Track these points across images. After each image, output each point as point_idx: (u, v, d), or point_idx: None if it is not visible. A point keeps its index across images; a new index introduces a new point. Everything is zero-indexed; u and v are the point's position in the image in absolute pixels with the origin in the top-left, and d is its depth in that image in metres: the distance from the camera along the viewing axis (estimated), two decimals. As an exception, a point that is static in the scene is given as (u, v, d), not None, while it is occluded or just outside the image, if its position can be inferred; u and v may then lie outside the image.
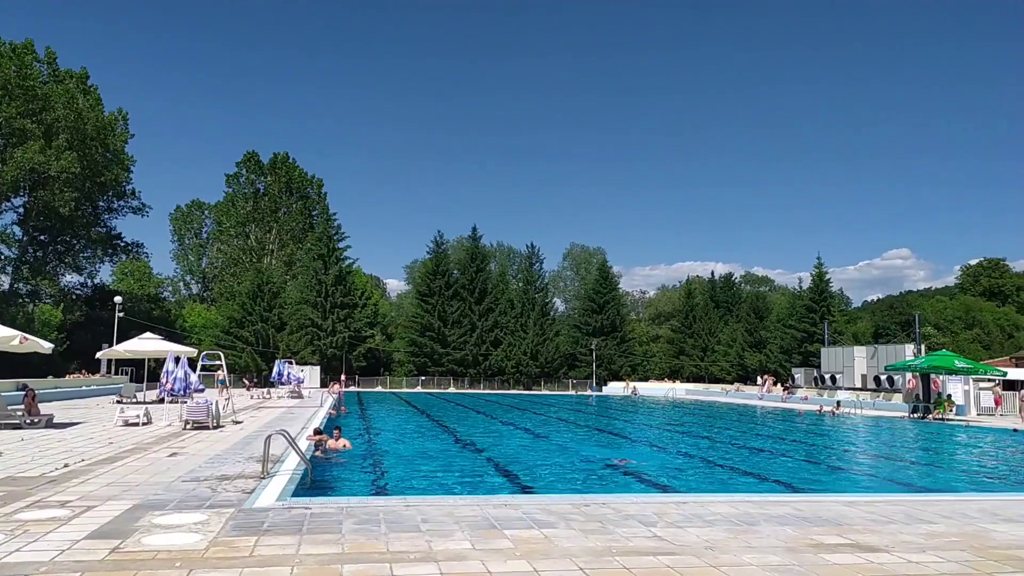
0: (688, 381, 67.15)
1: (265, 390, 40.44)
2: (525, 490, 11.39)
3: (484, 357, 66.27)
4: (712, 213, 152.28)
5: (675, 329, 77.37)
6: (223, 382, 24.05)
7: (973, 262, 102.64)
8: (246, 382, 48.69)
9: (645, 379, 68.10)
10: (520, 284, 77.66)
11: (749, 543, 6.72)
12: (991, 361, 54.96)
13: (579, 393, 60.76)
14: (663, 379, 68.05)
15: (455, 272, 70.72)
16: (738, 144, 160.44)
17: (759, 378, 55.33)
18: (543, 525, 7.23)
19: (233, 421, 19.55)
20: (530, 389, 64.85)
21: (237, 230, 79.16)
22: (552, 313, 74.23)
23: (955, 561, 6.25)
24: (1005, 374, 39.29)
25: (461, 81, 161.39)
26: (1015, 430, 27.02)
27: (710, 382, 66.09)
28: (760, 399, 49.33)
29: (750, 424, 30.15)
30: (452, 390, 60.91)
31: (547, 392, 61.96)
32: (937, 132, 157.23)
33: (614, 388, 61.28)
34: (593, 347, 66.49)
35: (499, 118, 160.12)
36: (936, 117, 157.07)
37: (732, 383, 62.01)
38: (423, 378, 64.29)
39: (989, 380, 38.79)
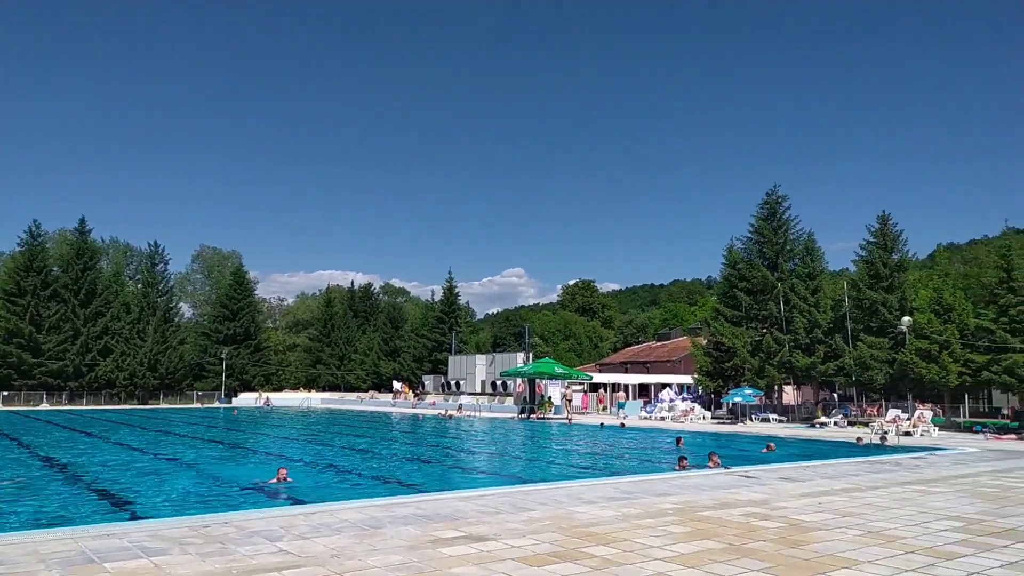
0: (325, 390, 66.80)
1: None
2: (137, 518, 10.17)
3: (90, 368, 57.60)
4: (353, 222, 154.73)
5: (313, 338, 76.43)
6: None
7: (571, 283, 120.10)
8: None
9: (280, 389, 65.97)
10: (139, 286, 69.42)
11: (374, 546, 6.91)
12: (581, 367, 64.89)
13: (205, 406, 56.36)
14: (299, 389, 66.68)
15: (55, 269, 60.49)
16: (379, 156, 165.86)
17: (394, 384, 57.45)
18: (153, 553, 6.53)
19: None
20: (147, 403, 58.21)
21: None
22: (177, 319, 67.69)
23: (548, 542, 7.21)
24: (591, 378, 46.73)
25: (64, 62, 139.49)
26: (601, 425, 32.30)
27: (346, 390, 66.64)
28: (393, 406, 51.24)
29: (383, 430, 31.13)
30: (45, 407, 51.75)
31: (168, 406, 56.24)
32: (544, 168, 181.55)
33: (246, 399, 58.17)
34: (224, 356, 62.36)
35: (105, 101, 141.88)
36: (535, 156, 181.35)
37: (367, 391, 63.34)
38: (5, 394, 53.49)
39: (580, 384, 45.69)
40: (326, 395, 62.04)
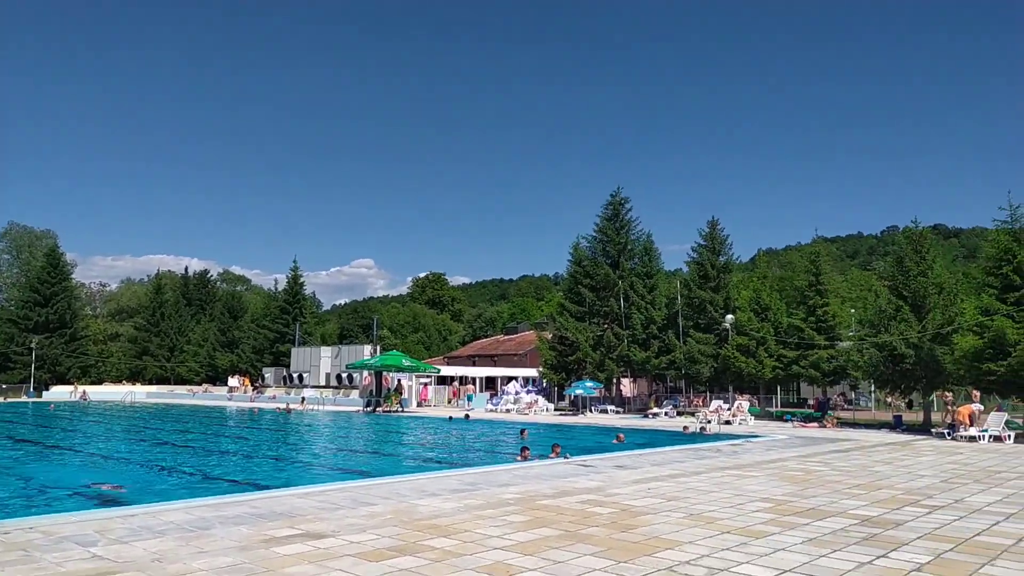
0: (152, 383, 62.16)
1: None
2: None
3: None
4: (190, 204, 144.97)
5: (139, 327, 70.84)
6: None
7: (422, 275, 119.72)
8: None
9: (100, 382, 60.61)
10: (-70, 266, 61.15)
11: (201, 548, 6.51)
12: (430, 360, 64.86)
13: (10, 400, 50.65)
14: (121, 382, 61.61)
15: None
16: (220, 131, 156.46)
17: (229, 380, 54.42)
18: (-64, 568, 5.77)
19: None
20: (-64, 398, 51.42)
21: None
22: (-23, 304, 60.37)
23: (389, 536, 7.13)
24: (439, 371, 46.79)
25: None
26: (450, 418, 32.41)
27: (177, 384, 62.40)
28: (229, 400, 48.64)
29: (217, 426, 29.45)
30: None
31: (-39, 401, 49.97)
32: (397, 159, 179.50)
33: (59, 393, 52.89)
34: (34, 346, 56.34)
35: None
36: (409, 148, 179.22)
37: (200, 384, 59.69)
38: None
39: (428, 376, 45.60)
40: (154, 389, 57.82)
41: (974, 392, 22.90)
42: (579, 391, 35.63)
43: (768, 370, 32.72)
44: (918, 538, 7.35)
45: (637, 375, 40.94)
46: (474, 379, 50.66)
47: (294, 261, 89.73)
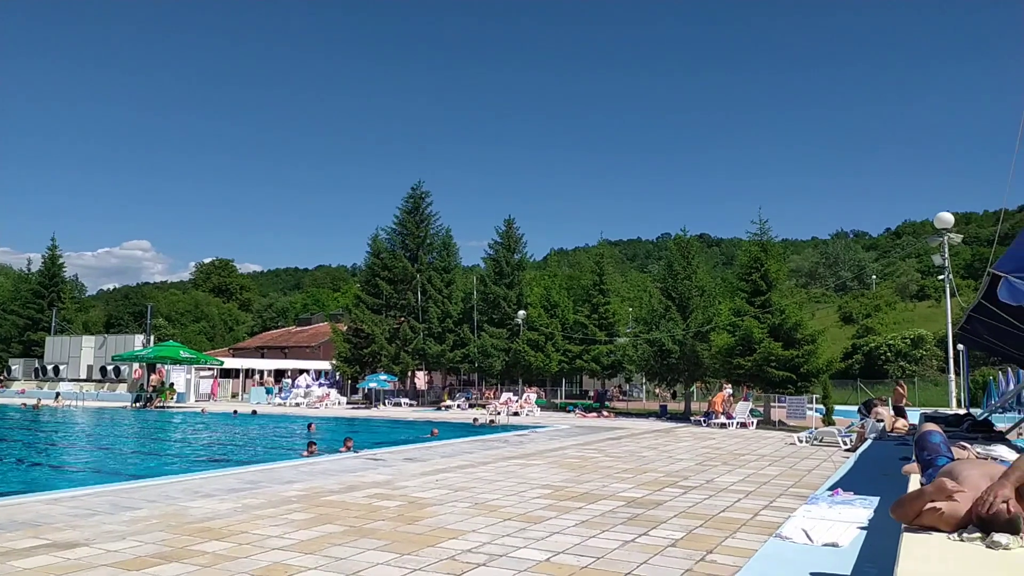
0: None
1: None
2: None
3: None
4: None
5: None
6: None
7: (207, 260, 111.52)
8: None
9: None
10: None
11: (-86, 570, 5.57)
12: (213, 352, 60.66)
13: None
14: None
15: None
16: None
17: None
18: None
19: None
20: None
21: None
22: None
23: (153, 543, 6.56)
24: (222, 363, 43.91)
25: None
26: (235, 413, 30.42)
27: None
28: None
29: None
30: None
31: None
32: (181, 137, 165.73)
33: None
34: None
35: None
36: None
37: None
38: None
39: (209, 369, 42.64)
40: None
41: (726, 383, 25.90)
42: (373, 384, 35.23)
43: (555, 364, 34.53)
44: (674, 516, 8.16)
45: (432, 368, 41.29)
46: (262, 372, 48.13)
47: (52, 239, 78.86)
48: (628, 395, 43.00)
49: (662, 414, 28.95)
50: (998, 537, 2.85)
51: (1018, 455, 4.59)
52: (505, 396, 31.56)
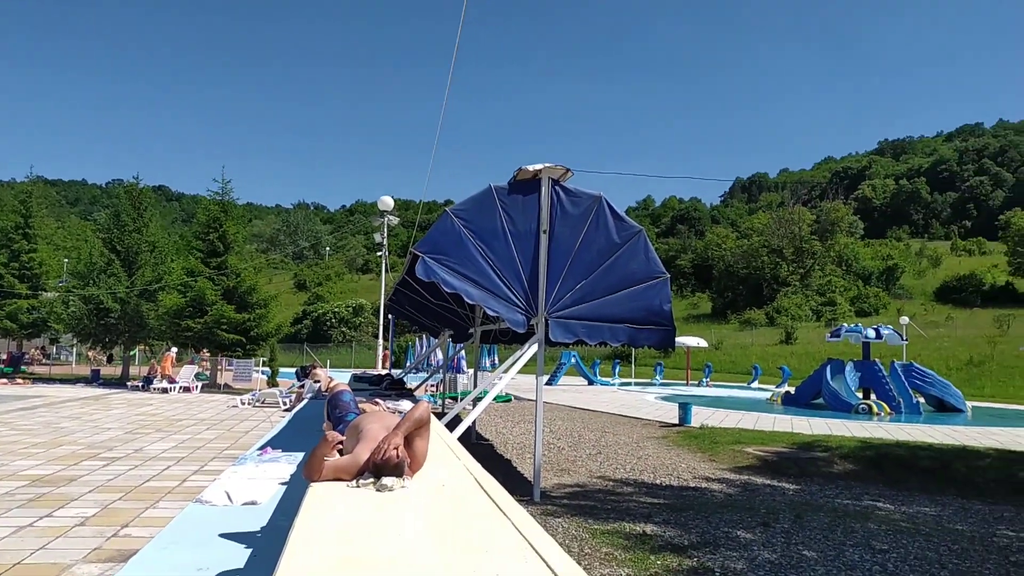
0: None
1: None
2: None
3: None
4: None
5: None
6: None
7: None
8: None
9: None
10: None
11: None
12: None
13: None
14: None
15: None
16: None
17: None
18: None
19: None
20: None
21: None
22: None
23: None
24: None
25: None
26: None
27: None
28: None
29: None
30: None
31: None
32: None
33: None
34: None
35: None
36: None
37: None
38: None
39: None
40: None
41: (172, 347, 24.63)
42: None
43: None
44: (90, 491, 7.35)
45: None
46: None
47: None
48: (53, 358, 37.35)
49: (94, 379, 25.85)
50: (386, 480, 3.28)
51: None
52: None
